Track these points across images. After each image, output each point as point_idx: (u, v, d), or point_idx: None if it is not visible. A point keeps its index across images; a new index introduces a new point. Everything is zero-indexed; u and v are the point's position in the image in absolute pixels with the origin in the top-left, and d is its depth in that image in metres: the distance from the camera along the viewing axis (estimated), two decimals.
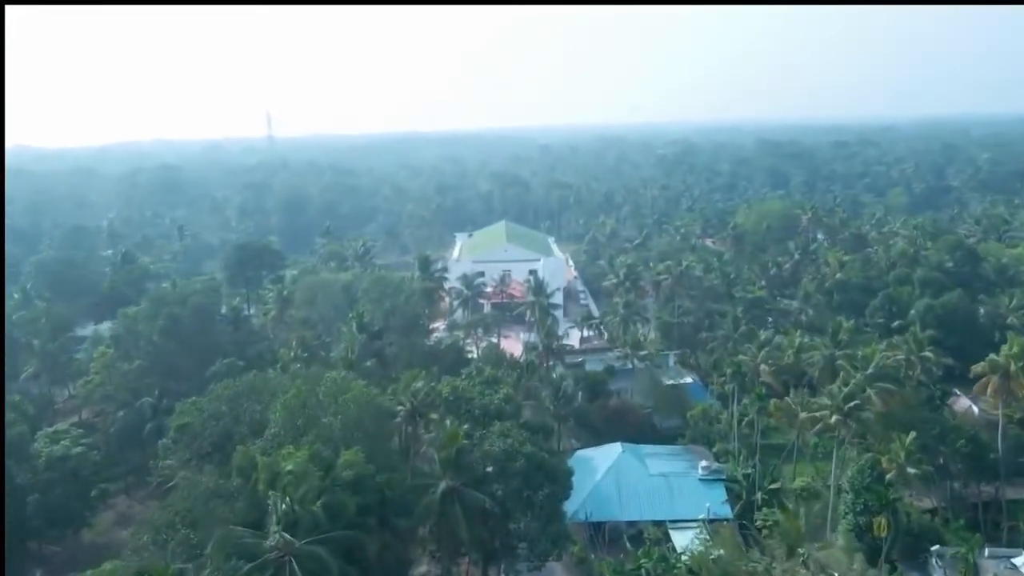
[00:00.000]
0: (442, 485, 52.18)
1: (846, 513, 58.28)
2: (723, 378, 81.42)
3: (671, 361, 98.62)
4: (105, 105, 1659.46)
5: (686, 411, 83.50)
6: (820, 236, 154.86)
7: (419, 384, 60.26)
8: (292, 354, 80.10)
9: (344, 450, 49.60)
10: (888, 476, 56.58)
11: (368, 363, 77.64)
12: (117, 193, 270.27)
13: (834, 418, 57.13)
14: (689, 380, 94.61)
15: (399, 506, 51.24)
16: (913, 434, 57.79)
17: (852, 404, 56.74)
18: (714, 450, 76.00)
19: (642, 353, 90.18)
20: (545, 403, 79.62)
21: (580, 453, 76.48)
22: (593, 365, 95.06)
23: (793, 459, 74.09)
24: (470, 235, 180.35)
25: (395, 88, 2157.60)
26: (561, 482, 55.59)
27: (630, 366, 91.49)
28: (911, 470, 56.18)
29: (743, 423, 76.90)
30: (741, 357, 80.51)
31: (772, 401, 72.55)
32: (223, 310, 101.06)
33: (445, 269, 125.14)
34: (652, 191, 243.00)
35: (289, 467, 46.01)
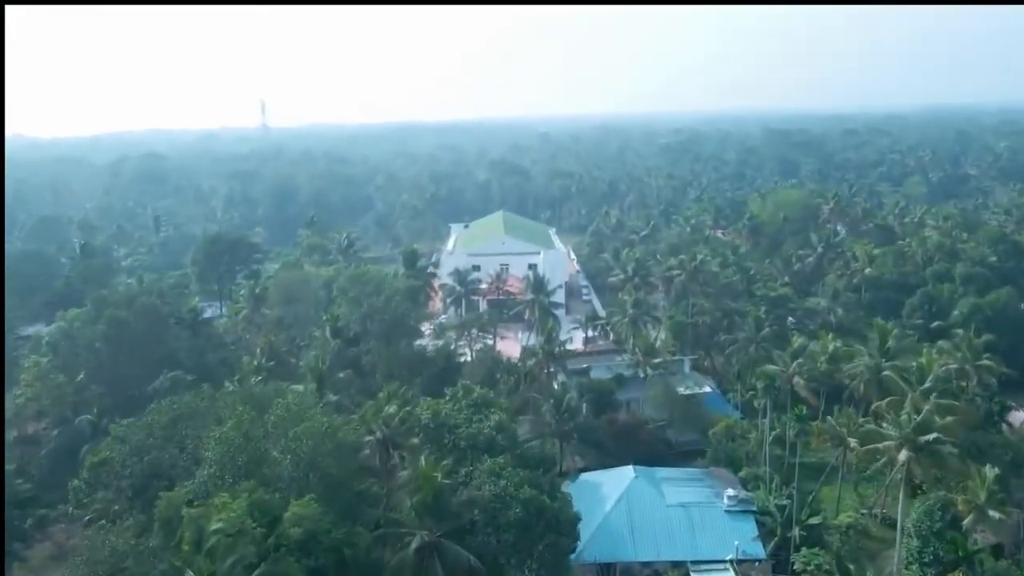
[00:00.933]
0: (417, 538, 42.01)
1: (910, 563, 48.29)
2: (752, 392, 71.04)
3: (686, 367, 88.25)
4: (101, 95, 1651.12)
5: (705, 425, 73.38)
6: (840, 228, 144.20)
7: (392, 409, 49.72)
8: (256, 363, 69.97)
9: (294, 499, 39.45)
10: (965, 522, 46.19)
11: (342, 374, 67.85)
12: (99, 182, 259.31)
13: (904, 453, 46.31)
14: (707, 389, 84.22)
15: (364, 565, 41.18)
16: (996, 470, 47.19)
17: (930, 438, 45.68)
18: (740, 474, 65.76)
19: (656, 361, 79.74)
20: (545, 417, 69.80)
21: (586, 477, 66.36)
22: (599, 372, 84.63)
23: (837, 484, 63.70)
24: (466, 226, 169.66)
25: (394, 86, 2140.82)
26: (566, 531, 45.26)
27: (641, 374, 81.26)
28: (994, 514, 45.67)
29: (771, 436, 66.80)
30: (771, 367, 69.99)
31: (814, 424, 62.11)
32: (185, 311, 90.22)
33: (436, 263, 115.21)
34: (657, 180, 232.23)
35: (218, 525, 35.90)
